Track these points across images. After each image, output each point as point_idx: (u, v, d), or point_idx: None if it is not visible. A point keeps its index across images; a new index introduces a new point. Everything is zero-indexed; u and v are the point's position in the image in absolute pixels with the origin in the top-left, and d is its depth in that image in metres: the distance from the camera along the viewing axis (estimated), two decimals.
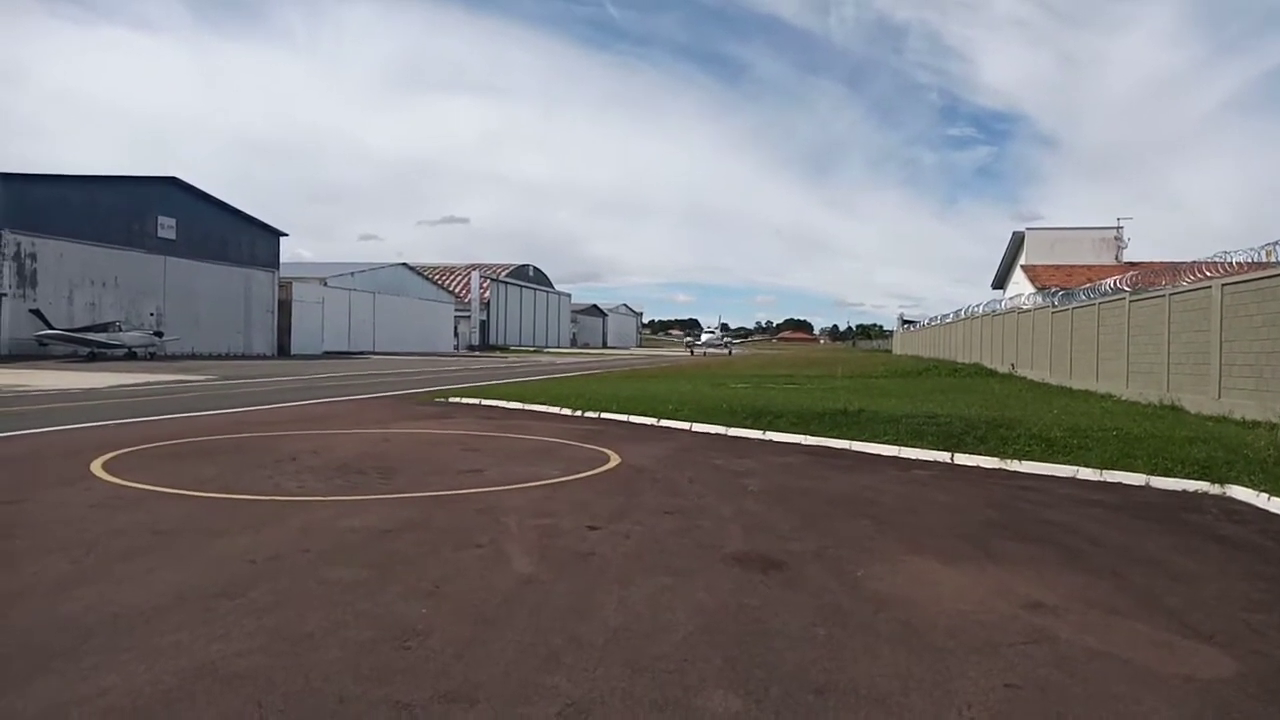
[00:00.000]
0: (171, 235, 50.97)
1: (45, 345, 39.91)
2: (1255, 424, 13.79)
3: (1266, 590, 5.88)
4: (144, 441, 12.19)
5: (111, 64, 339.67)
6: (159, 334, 46.29)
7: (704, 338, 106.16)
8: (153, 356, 44.28)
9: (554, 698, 3.87)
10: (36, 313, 40.46)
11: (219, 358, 50.17)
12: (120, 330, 43.39)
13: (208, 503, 8.08)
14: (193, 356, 49.09)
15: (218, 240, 54.96)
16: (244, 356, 53.44)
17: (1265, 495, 8.82)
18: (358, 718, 3.64)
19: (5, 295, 40.63)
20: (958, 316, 51.05)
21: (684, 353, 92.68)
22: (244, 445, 12.13)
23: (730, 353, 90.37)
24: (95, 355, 41.12)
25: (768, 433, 14.12)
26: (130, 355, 42.91)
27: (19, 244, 41.41)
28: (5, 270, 40.73)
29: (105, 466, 9.93)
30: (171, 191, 51.80)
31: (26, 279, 41.88)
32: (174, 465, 10.22)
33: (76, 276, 44.67)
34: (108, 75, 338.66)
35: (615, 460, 11.24)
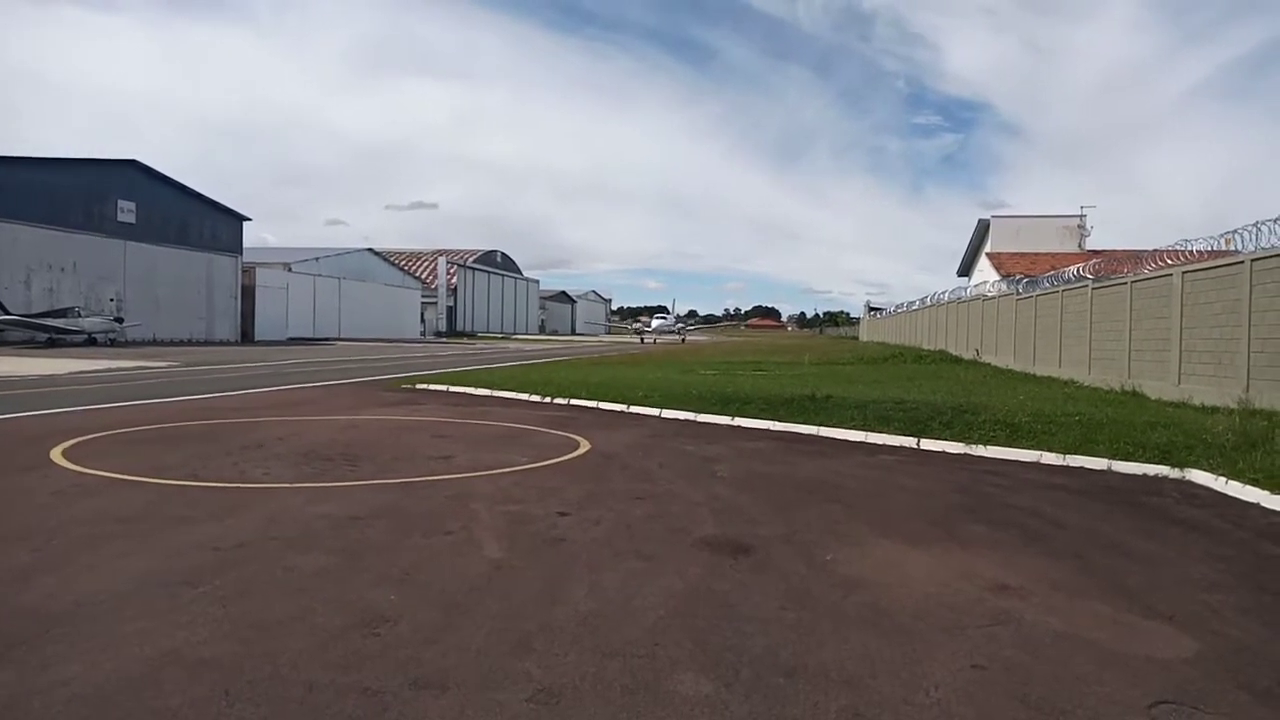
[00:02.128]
0: (132, 219, 49.98)
1: (2, 331, 39.12)
2: (1214, 409, 14.04)
3: (1224, 571, 6.00)
4: (105, 428, 11.99)
5: (72, 44, 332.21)
6: (119, 320, 45.49)
7: (655, 323, 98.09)
8: (113, 343, 43.55)
9: (525, 683, 3.87)
10: None
11: (181, 344, 49.42)
12: (79, 316, 42.63)
13: (171, 490, 7.96)
14: (154, 343, 48.33)
15: (179, 224, 53.98)
16: (207, 343, 52.68)
17: (1223, 479, 8.99)
18: (327, 705, 3.62)
19: None
20: (924, 304, 51.51)
21: (634, 340, 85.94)
22: (208, 432, 11.97)
23: (684, 340, 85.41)
24: (54, 341, 40.39)
25: (736, 419, 14.17)
26: (90, 341, 42.19)
27: None
28: None
29: (66, 454, 9.76)
30: (131, 174, 50.76)
31: None
32: (136, 452, 10.06)
33: (34, 261, 43.75)
34: (68, 55, 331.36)
35: (585, 446, 11.23)
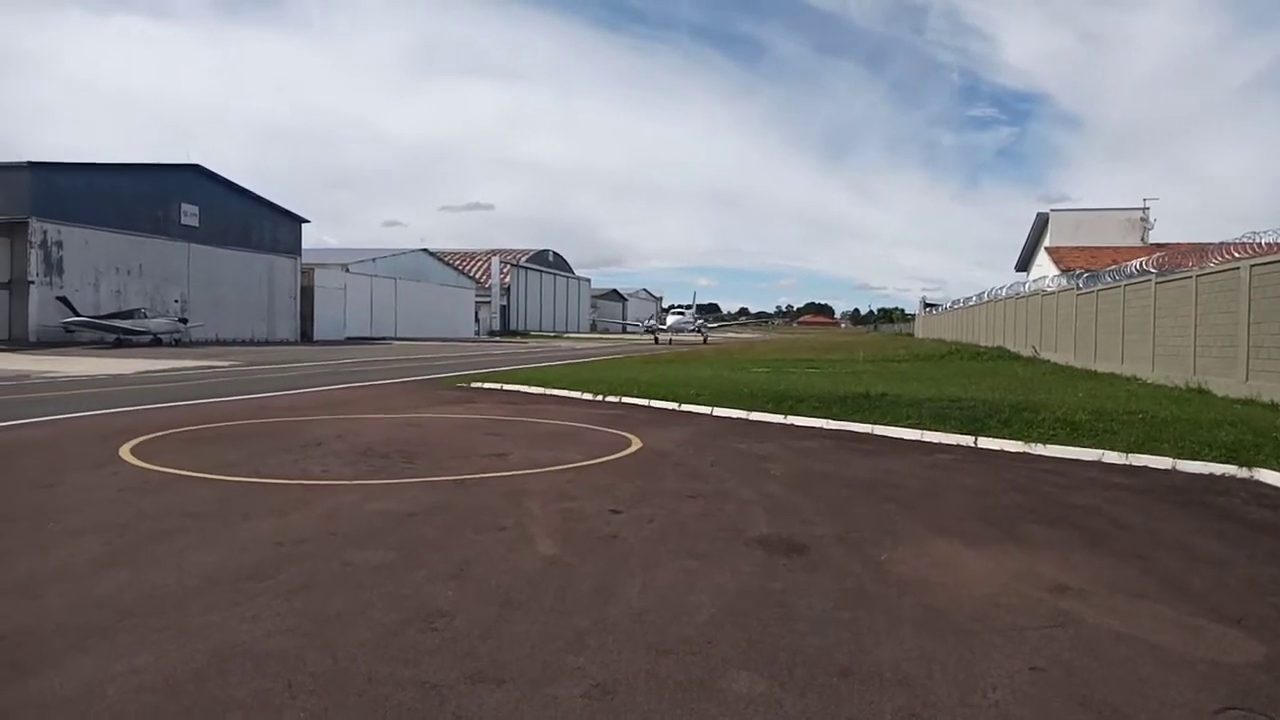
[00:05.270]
0: (195, 222, 51.36)
1: (72, 332, 40.47)
2: None
3: None
4: (171, 426, 12.34)
5: (130, 52, 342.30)
6: (184, 320, 46.86)
7: (670, 320, 77.84)
8: (178, 343, 44.82)
9: (579, 679, 3.90)
10: (63, 300, 41.03)
11: (243, 344, 50.62)
12: (145, 317, 43.98)
13: (235, 487, 8.17)
14: (217, 342, 49.58)
15: (240, 227, 55.32)
16: (267, 342, 53.86)
17: None
18: (386, 697, 3.69)
19: (33, 283, 41.20)
20: (980, 299, 50.59)
21: (647, 339, 72.84)
22: (270, 430, 12.25)
23: (705, 339, 72.94)
24: (121, 342, 41.66)
25: (789, 417, 14.09)
26: (156, 341, 43.45)
27: (45, 232, 41.93)
28: (32, 258, 41.29)
29: (134, 451, 10.06)
30: (194, 179, 52.13)
31: (53, 267, 42.40)
32: (201, 450, 10.34)
33: (102, 264, 45.19)
34: (126, 63, 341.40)
35: (637, 444, 11.26)
